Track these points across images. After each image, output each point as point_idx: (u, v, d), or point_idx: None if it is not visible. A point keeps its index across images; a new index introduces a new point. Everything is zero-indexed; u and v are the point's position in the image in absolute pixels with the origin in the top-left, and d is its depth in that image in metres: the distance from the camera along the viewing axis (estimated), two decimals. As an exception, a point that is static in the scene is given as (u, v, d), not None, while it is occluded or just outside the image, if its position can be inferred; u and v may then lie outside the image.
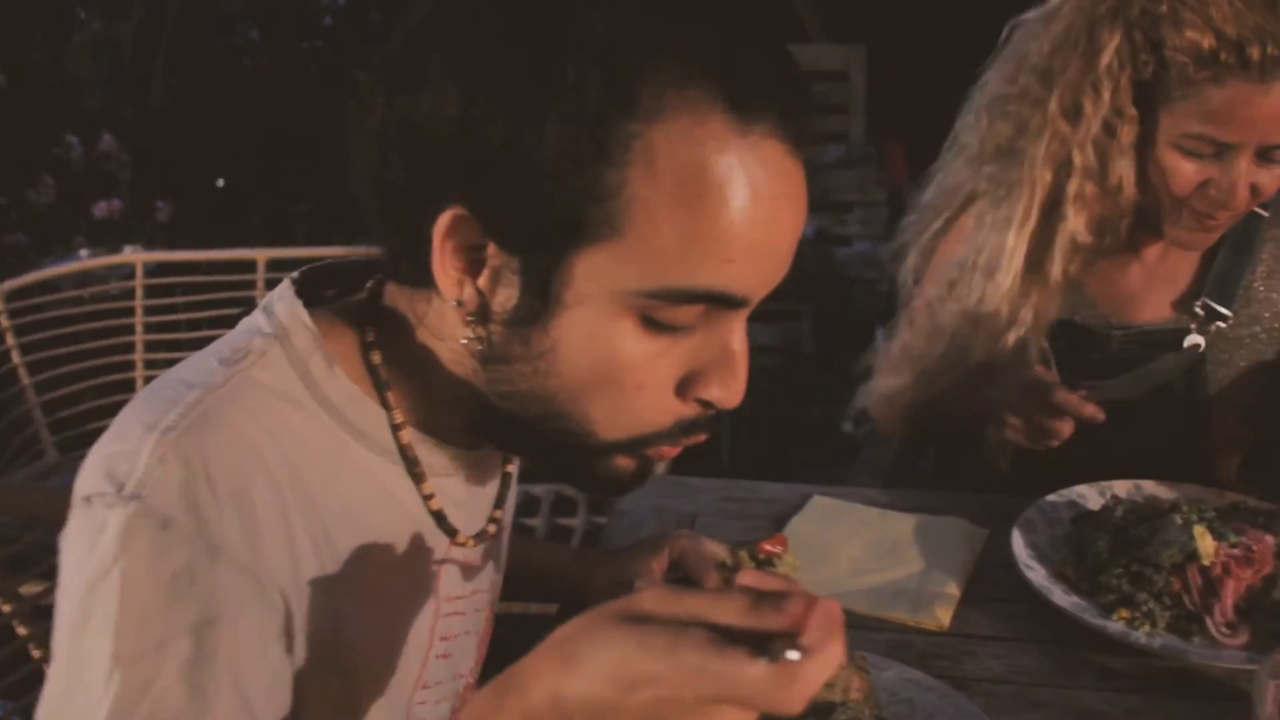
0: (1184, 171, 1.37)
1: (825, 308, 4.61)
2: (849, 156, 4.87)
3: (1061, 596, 1.21)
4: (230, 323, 0.90)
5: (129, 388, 2.50)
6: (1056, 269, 1.46)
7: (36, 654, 1.50)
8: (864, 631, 1.20)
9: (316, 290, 0.91)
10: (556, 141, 0.70)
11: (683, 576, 1.16)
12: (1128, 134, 1.39)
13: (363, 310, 0.87)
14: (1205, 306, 1.53)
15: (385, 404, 0.85)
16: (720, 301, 0.75)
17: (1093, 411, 1.28)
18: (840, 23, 5.20)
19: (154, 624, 0.72)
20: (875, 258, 4.47)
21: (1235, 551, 1.18)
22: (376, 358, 0.85)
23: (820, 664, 0.59)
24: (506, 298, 0.76)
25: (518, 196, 0.72)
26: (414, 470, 0.87)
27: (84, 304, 2.75)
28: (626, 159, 0.70)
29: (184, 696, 0.72)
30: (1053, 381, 1.33)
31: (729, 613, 0.61)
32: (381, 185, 0.78)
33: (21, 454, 2.42)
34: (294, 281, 0.88)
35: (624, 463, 0.84)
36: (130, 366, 2.56)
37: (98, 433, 0.80)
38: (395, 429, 0.86)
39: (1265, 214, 1.56)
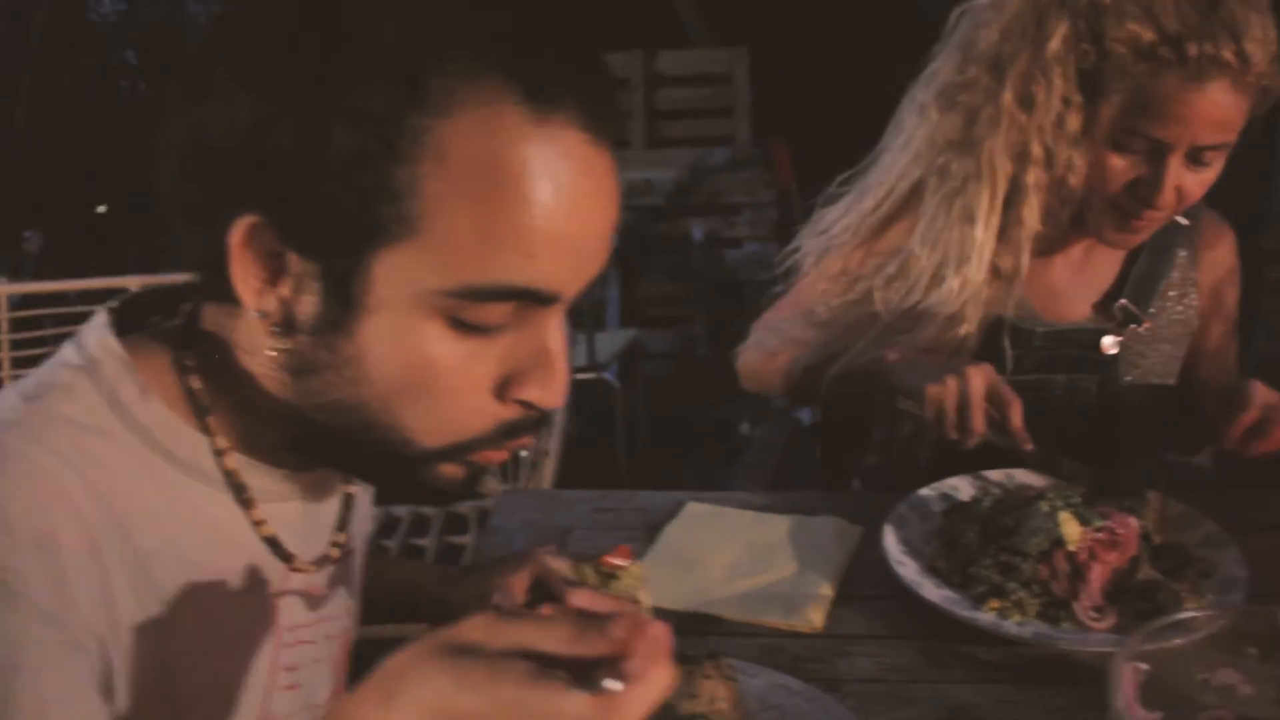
0: (1116, 167, 1.38)
1: (717, 310, 4.61)
2: (735, 159, 4.88)
3: (932, 590, 1.20)
4: None
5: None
6: (1012, 262, 1.46)
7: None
8: (737, 638, 1.17)
9: (140, 318, 0.86)
10: (343, 141, 0.68)
11: (545, 595, 1.12)
12: (1074, 123, 1.39)
13: (179, 334, 0.84)
14: (1123, 309, 1.55)
15: (206, 429, 0.81)
16: (528, 298, 0.73)
17: (1023, 443, 1.30)
18: (722, 25, 5.22)
19: None
20: (766, 258, 4.47)
21: (1100, 536, 1.18)
22: (195, 382, 0.81)
23: (643, 693, 0.59)
24: (309, 305, 0.73)
25: (310, 200, 0.69)
26: (241, 496, 0.83)
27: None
28: (417, 155, 0.68)
29: None
30: (1011, 396, 1.33)
31: (553, 640, 0.60)
32: (180, 197, 0.75)
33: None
34: (111, 311, 0.84)
35: (450, 470, 0.81)
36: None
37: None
38: (218, 454, 0.82)
39: (1185, 222, 1.57)
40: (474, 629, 0.60)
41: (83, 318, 0.86)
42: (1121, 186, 1.39)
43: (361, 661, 1.02)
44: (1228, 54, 1.27)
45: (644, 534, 1.39)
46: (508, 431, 0.79)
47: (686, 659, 1.00)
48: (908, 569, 1.23)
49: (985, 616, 1.16)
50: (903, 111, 1.55)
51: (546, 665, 0.59)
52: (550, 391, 0.77)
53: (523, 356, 0.76)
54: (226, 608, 0.84)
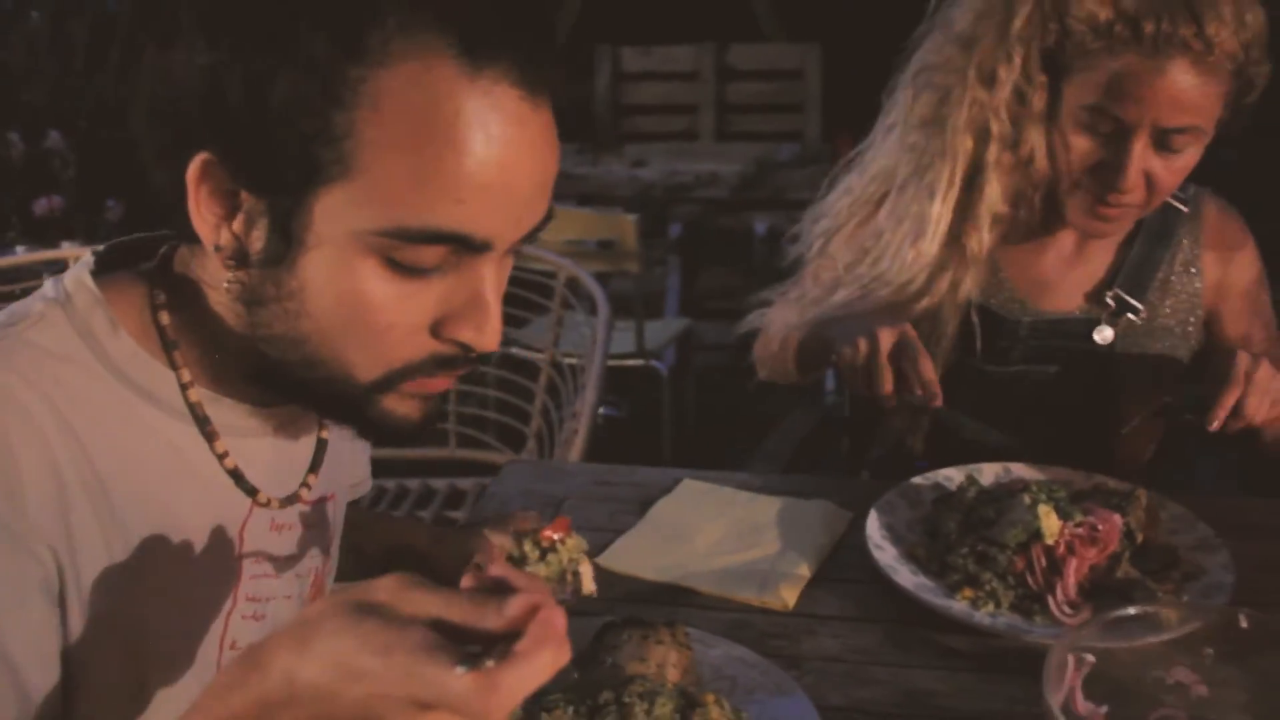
0: (1079, 147, 1.37)
1: (776, 305, 4.59)
2: (803, 155, 4.86)
3: (907, 577, 1.20)
4: None
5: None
6: (975, 240, 1.46)
7: None
8: (708, 611, 1.19)
9: (124, 264, 0.91)
10: (288, 88, 0.72)
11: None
12: (1038, 101, 1.39)
13: (153, 275, 0.89)
14: (1116, 298, 1.53)
15: (172, 363, 0.86)
16: (460, 243, 0.77)
17: (930, 398, 1.27)
18: (796, 21, 5.19)
19: None
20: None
21: (1080, 531, 1.17)
22: (164, 318, 0.87)
23: (524, 673, 0.61)
24: (258, 240, 0.78)
25: (257, 141, 0.74)
26: (205, 429, 0.88)
27: (16, 300, 2.74)
28: (355, 103, 0.73)
29: None
30: (921, 350, 1.31)
31: (453, 613, 0.63)
32: (150, 136, 0.80)
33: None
34: (96, 255, 0.90)
35: (398, 406, 0.85)
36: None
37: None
38: (184, 388, 0.87)
39: (1184, 209, 1.55)
40: (384, 590, 0.64)
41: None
42: (1085, 169, 1.38)
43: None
44: (1186, 34, 1.26)
45: (637, 508, 1.41)
46: (441, 363, 0.83)
47: (642, 624, 1.02)
48: (885, 554, 1.23)
49: (957, 605, 1.16)
50: (892, 93, 1.55)
51: (459, 635, 0.62)
52: (483, 335, 0.81)
53: (458, 301, 0.80)
54: (186, 534, 0.88)
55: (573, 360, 2.36)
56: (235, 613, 0.93)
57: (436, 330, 0.81)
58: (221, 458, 0.89)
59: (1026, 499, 1.20)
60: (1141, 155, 1.34)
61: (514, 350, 2.86)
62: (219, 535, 0.91)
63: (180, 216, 0.80)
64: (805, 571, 1.24)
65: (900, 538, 1.27)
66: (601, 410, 3.80)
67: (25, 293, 2.98)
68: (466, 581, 0.69)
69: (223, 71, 0.73)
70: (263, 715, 0.63)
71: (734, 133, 5.16)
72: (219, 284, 0.82)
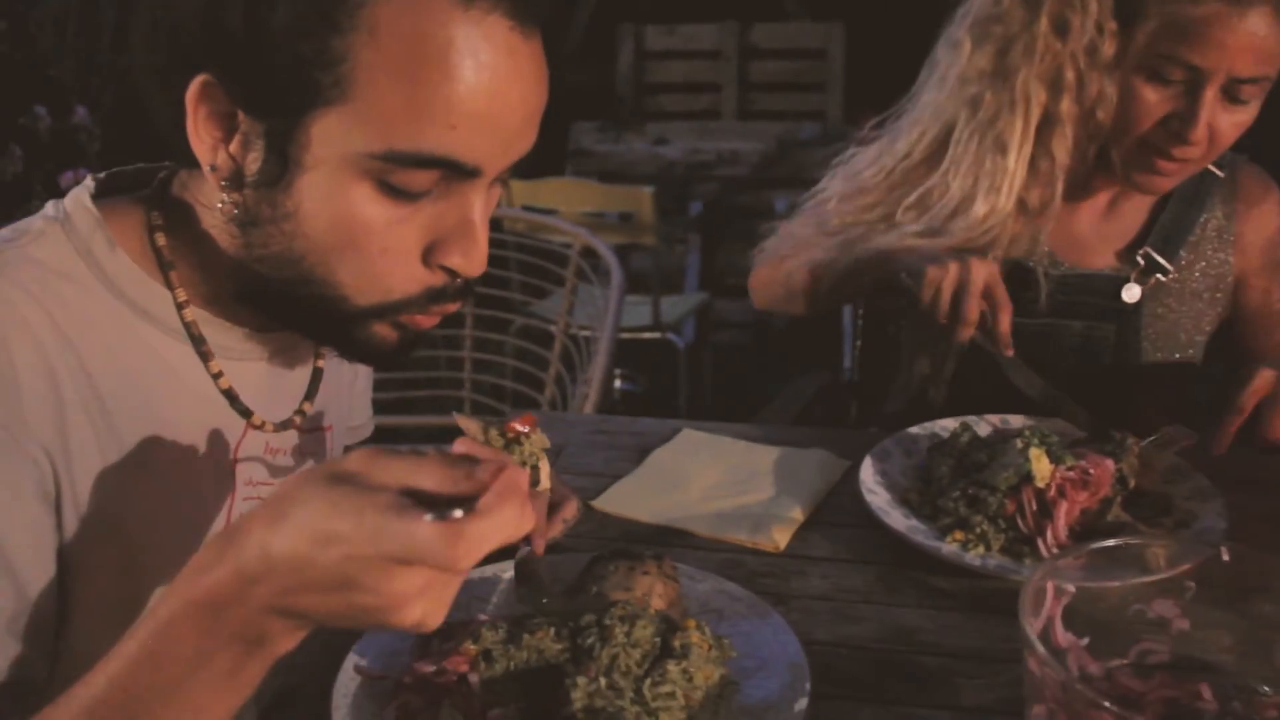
0: (1149, 99, 1.37)
1: (795, 283, 4.59)
2: (825, 134, 4.85)
3: (899, 520, 1.21)
4: None
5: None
6: (1039, 195, 1.45)
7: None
8: (700, 551, 1.20)
9: (124, 190, 0.94)
10: (288, 11, 0.75)
11: None
12: (1109, 49, 1.38)
13: (152, 198, 0.91)
14: (1146, 256, 1.52)
15: (169, 283, 0.89)
16: (450, 168, 0.79)
17: (1006, 349, 1.29)
18: (819, 1, 5.18)
19: None
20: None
21: (1071, 474, 1.17)
22: (161, 239, 0.89)
23: (489, 525, 0.63)
24: (254, 161, 0.80)
25: (256, 64, 0.76)
26: (200, 349, 0.91)
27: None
28: (352, 27, 0.75)
29: None
30: (1005, 300, 1.32)
31: (424, 477, 0.65)
32: (149, 61, 0.83)
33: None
34: (96, 180, 0.93)
35: (384, 331, 0.87)
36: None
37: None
38: (180, 307, 0.89)
39: (1220, 173, 1.55)
40: (355, 461, 0.66)
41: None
42: (1153, 120, 1.37)
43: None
44: None
45: (635, 455, 1.42)
46: (434, 296, 0.86)
47: (630, 555, 1.04)
48: (878, 498, 1.24)
49: (948, 547, 1.16)
50: (937, 51, 1.54)
51: (430, 502, 0.63)
52: (471, 260, 0.84)
53: (447, 226, 0.83)
54: (181, 451, 0.91)
55: (588, 333, 2.37)
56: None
57: (427, 258, 0.83)
58: (216, 378, 0.92)
59: (1019, 443, 1.20)
60: (1211, 106, 1.33)
61: (533, 321, 2.88)
62: (213, 452, 0.94)
63: (178, 140, 0.82)
64: (798, 515, 1.25)
65: (894, 483, 1.28)
66: (619, 384, 3.84)
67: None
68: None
69: None
70: (240, 590, 0.65)
71: (756, 111, 5.15)
72: (212, 205, 0.84)
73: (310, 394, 1.02)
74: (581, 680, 0.85)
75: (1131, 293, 1.52)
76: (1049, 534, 1.15)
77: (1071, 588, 0.92)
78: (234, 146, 0.81)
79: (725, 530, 1.23)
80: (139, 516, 0.88)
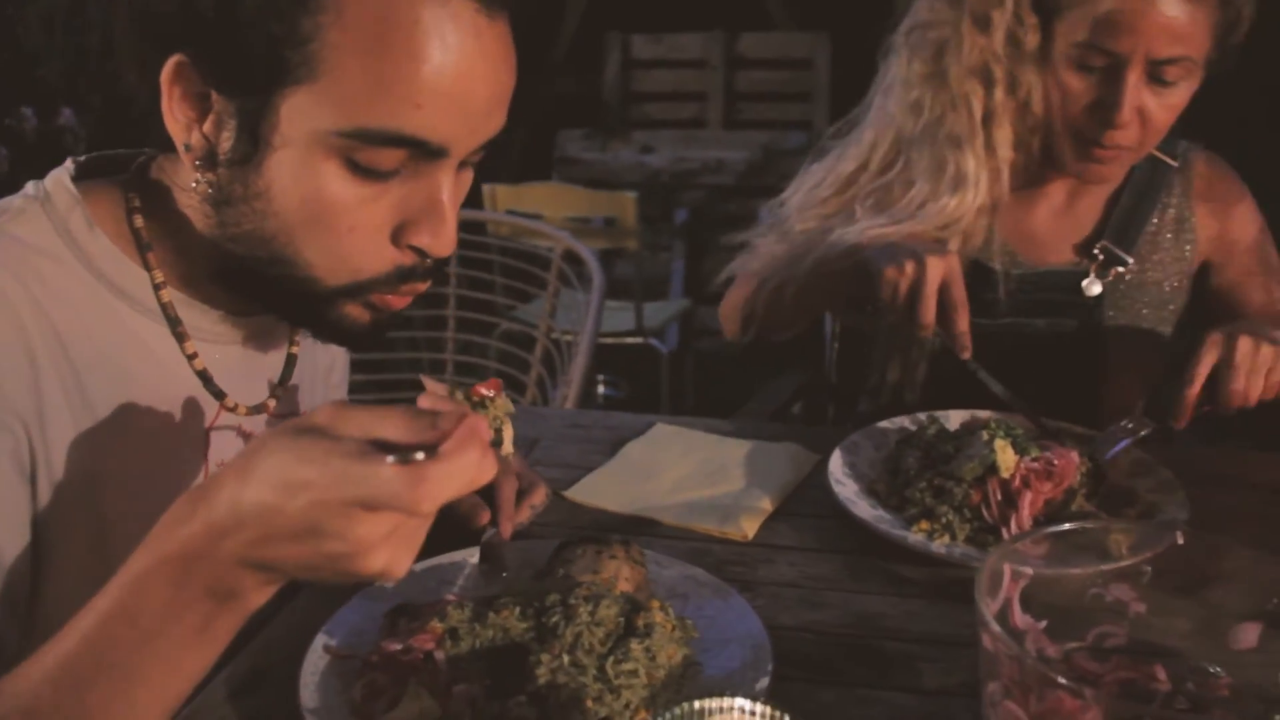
0: (1073, 86, 1.40)
1: (779, 291, 4.61)
2: (811, 143, 4.85)
3: (866, 510, 1.22)
4: None
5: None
6: (996, 189, 1.48)
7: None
8: (669, 540, 1.20)
9: (104, 173, 0.95)
10: None
11: None
12: (1031, 42, 1.41)
13: (130, 181, 0.93)
14: (1105, 249, 1.54)
15: (146, 264, 0.91)
16: (417, 147, 0.81)
17: (960, 349, 1.31)
18: (805, 11, 5.21)
19: None
20: (833, 243, 4.47)
21: (1036, 465, 1.19)
22: (139, 221, 0.91)
23: (451, 467, 0.64)
24: (226, 141, 0.82)
25: (228, 44, 0.78)
26: (176, 330, 0.92)
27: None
28: (320, 7, 0.77)
29: None
30: (962, 300, 1.33)
31: (388, 427, 0.66)
32: (127, 43, 0.85)
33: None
34: (76, 162, 0.94)
35: (355, 312, 0.89)
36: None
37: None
38: (156, 288, 0.91)
39: (1173, 163, 1.57)
40: (321, 414, 0.67)
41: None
42: (1081, 109, 1.40)
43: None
44: None
45: (608, 448, 1.43)
46: (404, 275, 0.87)
47: (598, 540, 1.05)
48: (845, 489, 1.25)
49: (914, 537, 1.18)
50: (880, 60, 1.57)
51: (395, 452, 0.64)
52: (440, 240, 0.85)
53: (416, 206, 0.84)
54: (155, 429, 0.92)
55: (570, 337, 2.39)
56: None
57: (396, 238, 0.85)
58: (191, 358, 0.93)
59: (984, 435, 1.22)
60: (1135, 89, 1.36)
61: (515, 324, 2.90)
62: (186, 431, 0.95)
63: (154, 122, 0.83)
64: (767, 505, 1.27)
65: (862, 475, 1.29)
66: (602, 390, 3.84)
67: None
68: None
69: None
70: (211, 543, 0.66)
71: (742, 120, 5.18)
72: (187, 185, 0.86)
73: (284, 379, 1.04)
74: (545, 657, 0.86)
75: (1093, 287, 1.54)
76: (1013, 524, 1.16)
77: (1029, 570, 0.93)
78: (208, 126, 0.82)
79: (694, 520, 1.24)
80: (112, 489, 0.89)
